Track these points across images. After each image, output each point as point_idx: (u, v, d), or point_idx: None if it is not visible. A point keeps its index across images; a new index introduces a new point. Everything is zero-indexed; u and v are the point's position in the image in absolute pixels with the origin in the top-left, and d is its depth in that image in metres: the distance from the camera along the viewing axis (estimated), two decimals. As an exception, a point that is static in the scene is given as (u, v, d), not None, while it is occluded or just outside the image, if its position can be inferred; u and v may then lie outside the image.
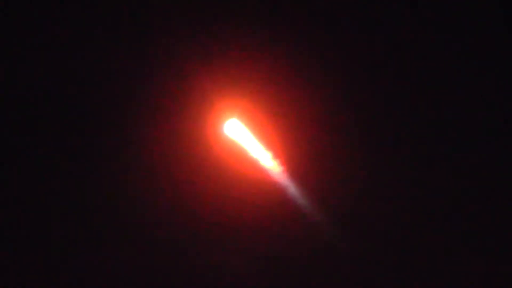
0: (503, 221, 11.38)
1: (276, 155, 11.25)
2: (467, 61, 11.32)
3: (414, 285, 11.43)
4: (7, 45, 10.96)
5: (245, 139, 11.15)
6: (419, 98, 11.43)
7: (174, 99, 11.06)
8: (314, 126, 11.28)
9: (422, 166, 11.60)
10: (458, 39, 11.26)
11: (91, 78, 11.04)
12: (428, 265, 11.48)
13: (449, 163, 11.56)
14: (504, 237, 11.35)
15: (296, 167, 11.28)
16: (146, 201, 11.27)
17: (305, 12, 11.19)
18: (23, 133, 11.29)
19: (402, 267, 11.46)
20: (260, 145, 11.20)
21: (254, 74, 11.12)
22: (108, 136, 11.30)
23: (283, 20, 11.15)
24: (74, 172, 11.38)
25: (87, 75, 10.99)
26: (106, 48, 11.01)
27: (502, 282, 11.22)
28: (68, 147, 11.32)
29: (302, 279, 11.41)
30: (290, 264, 11.39)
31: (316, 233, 11.35)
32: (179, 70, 11.04)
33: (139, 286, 11.32)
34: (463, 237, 11.43)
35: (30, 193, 11.36)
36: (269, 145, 11.23)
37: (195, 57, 10.99)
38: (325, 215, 11.30)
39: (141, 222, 11.34)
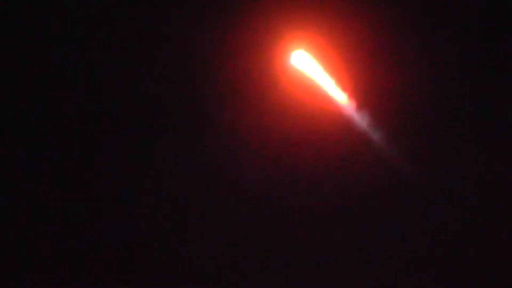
0: None
1: (343, 86, 11.19)
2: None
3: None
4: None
5: (311, 70, 11.13)
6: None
7: (243, 30, 11.13)
8: (382, 57, 11.20)
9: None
10: None
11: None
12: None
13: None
14: None
15: (363, 98, 11.20)
16: (212, 133, 11.38)
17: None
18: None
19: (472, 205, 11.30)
20: (327, 76, 11.15)
21: (322, 5, 11.12)
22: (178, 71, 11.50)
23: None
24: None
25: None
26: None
27: None
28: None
29: (371, 212, 11.32)
30: (358, 197, 11.31)
31: (385, 166, 11.23)
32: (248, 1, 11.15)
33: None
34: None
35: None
36: (336, 76, 11.18)
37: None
38: (393, 147, 11.18)
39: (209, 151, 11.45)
